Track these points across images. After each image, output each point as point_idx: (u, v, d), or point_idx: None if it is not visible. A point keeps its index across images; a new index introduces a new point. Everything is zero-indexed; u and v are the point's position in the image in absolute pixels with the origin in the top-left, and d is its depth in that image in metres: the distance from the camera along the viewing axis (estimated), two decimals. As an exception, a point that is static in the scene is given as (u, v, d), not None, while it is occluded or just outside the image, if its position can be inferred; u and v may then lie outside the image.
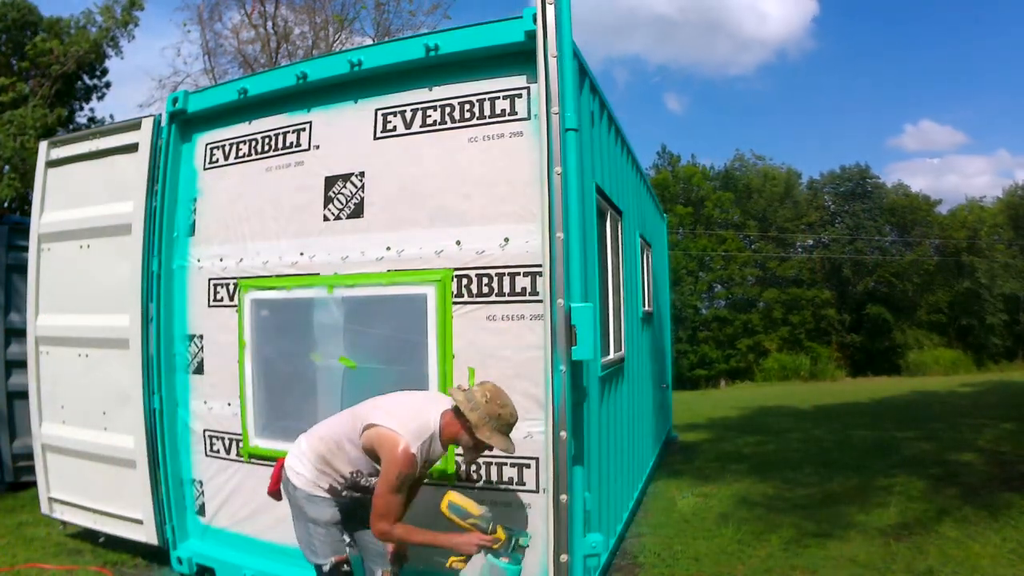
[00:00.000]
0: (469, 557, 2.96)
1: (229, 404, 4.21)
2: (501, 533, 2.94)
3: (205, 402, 4.33)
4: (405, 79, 3.74)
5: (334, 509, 2.98)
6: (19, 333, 6.12)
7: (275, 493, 3.18)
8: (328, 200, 3.94)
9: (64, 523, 5.10)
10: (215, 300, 4.31)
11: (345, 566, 2.97)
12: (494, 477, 3.50)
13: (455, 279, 3.56)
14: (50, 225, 5.03)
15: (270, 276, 4.09)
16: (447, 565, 2.94)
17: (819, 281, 34.25)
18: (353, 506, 3.06)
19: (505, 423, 2.93)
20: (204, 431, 4.33)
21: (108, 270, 4.64)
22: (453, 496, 2.97)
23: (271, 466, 4.00)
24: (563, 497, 3.16)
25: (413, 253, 3.67)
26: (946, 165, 59.50)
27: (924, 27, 58.10)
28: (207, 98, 4.39)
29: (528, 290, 3.43)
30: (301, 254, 4.00)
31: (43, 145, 5.16)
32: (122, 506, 4.58)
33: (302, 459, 3.03)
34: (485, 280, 3.52)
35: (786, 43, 60.41)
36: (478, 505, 2.98)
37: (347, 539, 3.06)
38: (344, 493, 3.02)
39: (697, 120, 61.88)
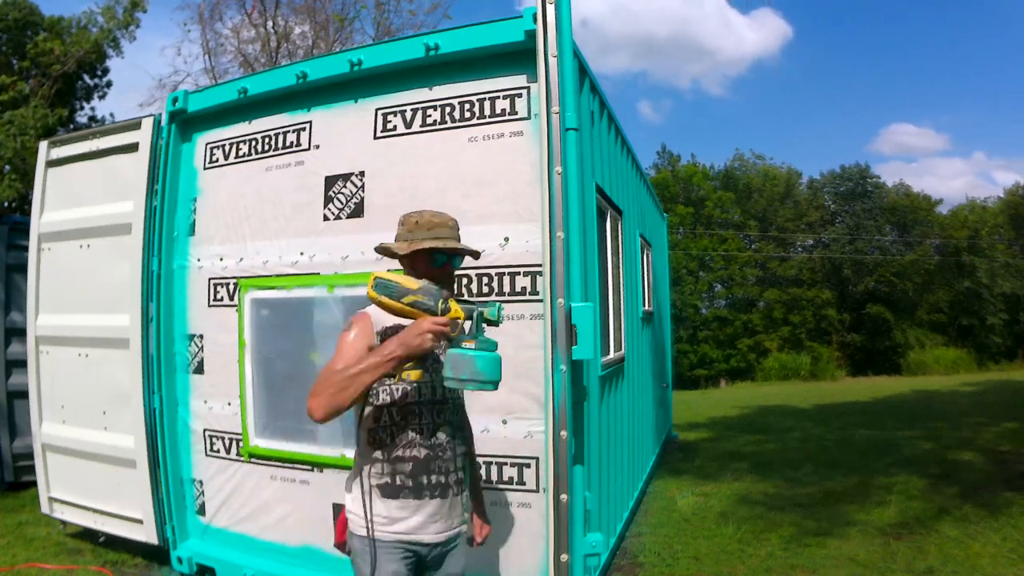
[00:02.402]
0: (424, 360, 2.17)
1: (229, 404, 4.21)
2: (458, 310, 2.10)
3: (205, 402, 4.33)
4: (405, 78, 3.73)
5: (397, 565, 2.29)
6: (19, 333, 6.13)
7: (340, 545, 2.45)
8: (328, 200, 3.93)
9: (64, 523, 5.10)
10: (215, 300, 4.31)
11: None
12: (494, 477, 3.50)
13: (455, 278, 3.55)
14: (50, 225, 5.03)
15: (270, 276, 4.09)
16: (395, 380, 2.19)
17: (819, 281, 34.21)
18: (439, 557, 2.41)
19: (427, 225, 2.33)
20: (204, 431, 4.34)
21: (108, 270, 4.63)
22: (379, 273, 2.17)
23: (271, 466, 4.05)
24: (563, 497, 3.15)
25: (414, 253, 3.66)
26: (924, 168, 60.21)
27: (897, 33, 59.16)
28: (207, 98, 4.39)
29: (528, 290, 3.43)
30: (301, 254, 4.00)
31: (43, 145, 5.16)
32: (122, 506, 4.58)
33: (352, 489, 2.36)
34: (485, 280, 3.51)
35: (762, 59, 61.22)
36: (416, 279, 2.16)
37: None
38: (414, 441, 2.28)
39: (686, 127, 62.59)
